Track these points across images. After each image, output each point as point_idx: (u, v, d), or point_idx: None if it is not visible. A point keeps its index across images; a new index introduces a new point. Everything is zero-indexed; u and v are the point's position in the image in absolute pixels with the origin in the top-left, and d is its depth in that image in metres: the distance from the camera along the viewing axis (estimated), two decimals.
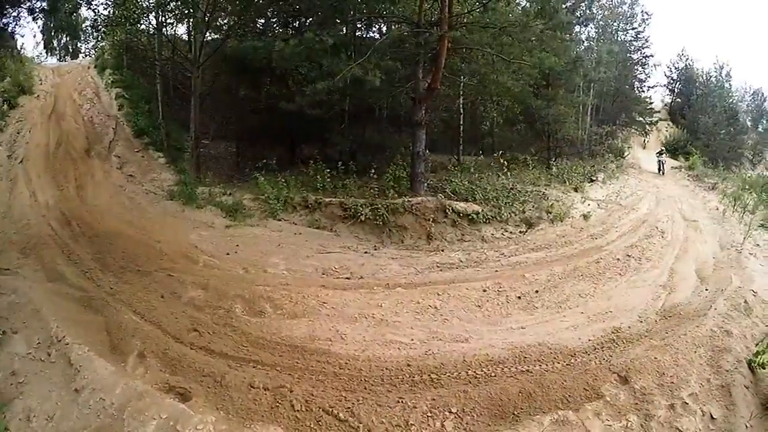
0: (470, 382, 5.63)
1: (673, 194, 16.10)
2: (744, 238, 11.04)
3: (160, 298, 7.46)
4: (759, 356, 6.32)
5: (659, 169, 20.67)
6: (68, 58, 25.72)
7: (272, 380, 5.44)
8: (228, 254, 9.29)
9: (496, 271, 9.26)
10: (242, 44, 12.70)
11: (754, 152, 26.74)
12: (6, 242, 9.39)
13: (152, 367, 5.82)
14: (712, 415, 5.46)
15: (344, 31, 14.08)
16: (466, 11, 11.75)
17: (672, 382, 5.74)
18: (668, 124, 27.54)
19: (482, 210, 11.06)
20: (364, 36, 15.02)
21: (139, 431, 4.67)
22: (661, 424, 5.17)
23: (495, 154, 14.76)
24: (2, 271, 8.09)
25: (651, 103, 24.51)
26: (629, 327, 7.11)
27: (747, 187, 16.20)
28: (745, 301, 7.92)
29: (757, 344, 6.66)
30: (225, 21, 14.53)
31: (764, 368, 6.16)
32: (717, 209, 14.11)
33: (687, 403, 5.47)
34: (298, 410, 4.93)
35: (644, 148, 24.84)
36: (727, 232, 11.80)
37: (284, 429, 4.78)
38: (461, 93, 15.31)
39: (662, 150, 22.32)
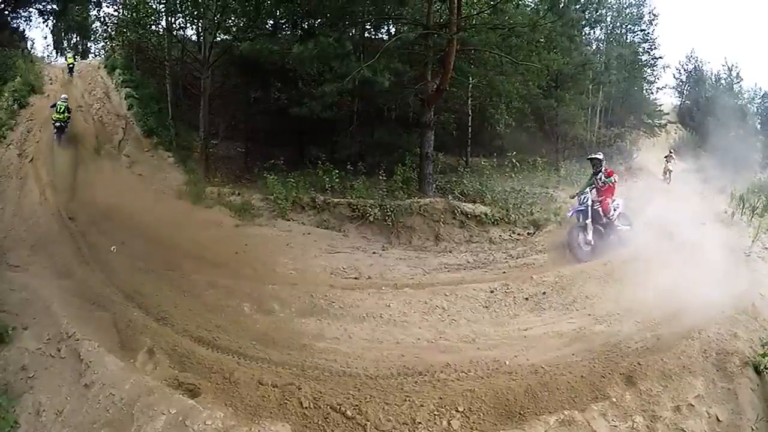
0: (477, 382, 5.65)
1: (682, 196, 15.97)
2: (752, 242, 10.96)
3: (169, 296, 7.52)
4: (765, 359, 6.29)
5: (665, 174, 19.56)
6: (78, 57, 25.82)
7: (281, 378, 5.48)
8: (237, 253, 9.33)
9: (504, 272, 9.25)
10: (256, 46, 12.71)
11: (763, 155, 26.50)
12: (17, 240, 9.48)
13: (161, 363, 5.87)
14: (718, 418, 5.46)
15: (353, 32, 14.11)
16: (475, 13, 11.78)
17: (678, 384, 5.73)
18: (677, 127, 27.35)
19: (490, 211, 11.07)
20: (374, 37, 15.07)
21: (148, 426, 4.72)
22: (667, 425, 5.17)
23: (504, 156, 14.72)
24: (13, 268, 8.19)
25: (660, 105, 24.32)
26: (636, 328, 7.09)
27: (756, 190, 16.05)
28: (753, 305, 7.86)
29: (763, 347, 6.63)
30: (235, 22, 14.59)
31: None
32: (725, 212, 14.00)
33: (693, 405, 5.46)
34: (306, 407, 4.96)
35: (654, 145, 24.49)
36: (736, 235, 11.71)
37: (292, 425, 4.81)
38: (470, 95, 15.29)
39: (671, 152, 20.73)
